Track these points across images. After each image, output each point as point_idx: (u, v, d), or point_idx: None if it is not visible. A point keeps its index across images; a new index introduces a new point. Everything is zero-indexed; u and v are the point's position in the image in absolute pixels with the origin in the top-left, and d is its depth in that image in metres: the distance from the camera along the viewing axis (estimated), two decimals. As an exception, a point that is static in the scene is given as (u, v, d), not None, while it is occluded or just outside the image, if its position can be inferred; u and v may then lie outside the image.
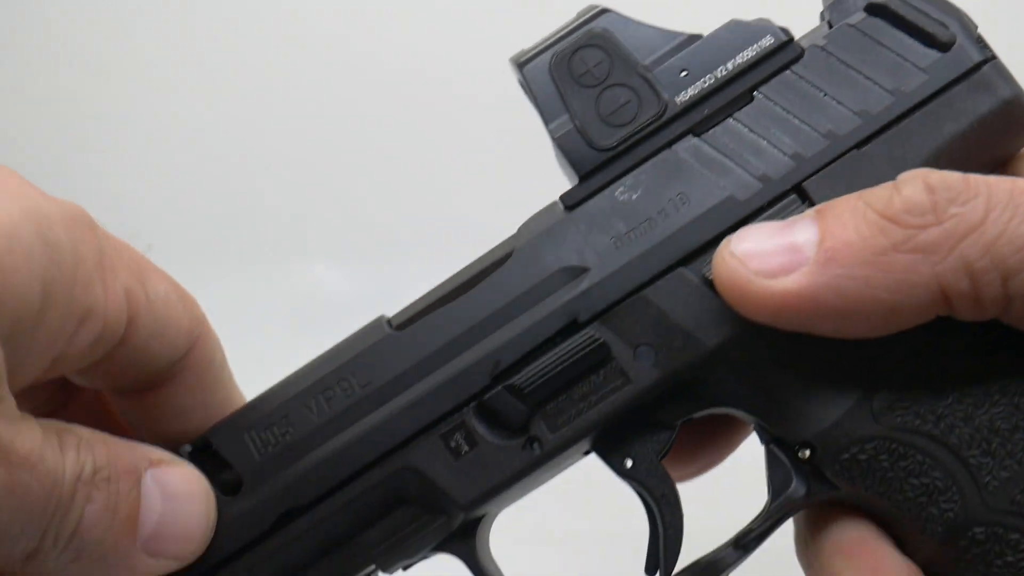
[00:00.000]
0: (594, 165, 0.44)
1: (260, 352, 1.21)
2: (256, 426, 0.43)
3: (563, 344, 0.42)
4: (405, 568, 0.46)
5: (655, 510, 0.44)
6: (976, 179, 0.36)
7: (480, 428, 0.43)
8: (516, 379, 0.42)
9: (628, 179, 0.43)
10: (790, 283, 0.37)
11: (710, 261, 0.41)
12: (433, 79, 1.21)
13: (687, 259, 0.42)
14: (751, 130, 0.43)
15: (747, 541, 0.44)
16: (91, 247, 0.36)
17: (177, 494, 0.39)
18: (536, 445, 0.43)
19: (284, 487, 0.42)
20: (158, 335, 0.40)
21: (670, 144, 0.43)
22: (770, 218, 0.41)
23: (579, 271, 0.43)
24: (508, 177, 1.19)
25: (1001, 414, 0.40)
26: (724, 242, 0.39)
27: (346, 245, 1.22)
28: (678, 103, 0.43)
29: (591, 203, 0.44)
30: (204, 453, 0.43)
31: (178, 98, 1.26)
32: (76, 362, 0.38)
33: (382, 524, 0.43)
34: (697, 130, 0.43)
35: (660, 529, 0.44)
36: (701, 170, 0.42)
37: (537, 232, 0.44)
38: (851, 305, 0.36)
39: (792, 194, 0.42)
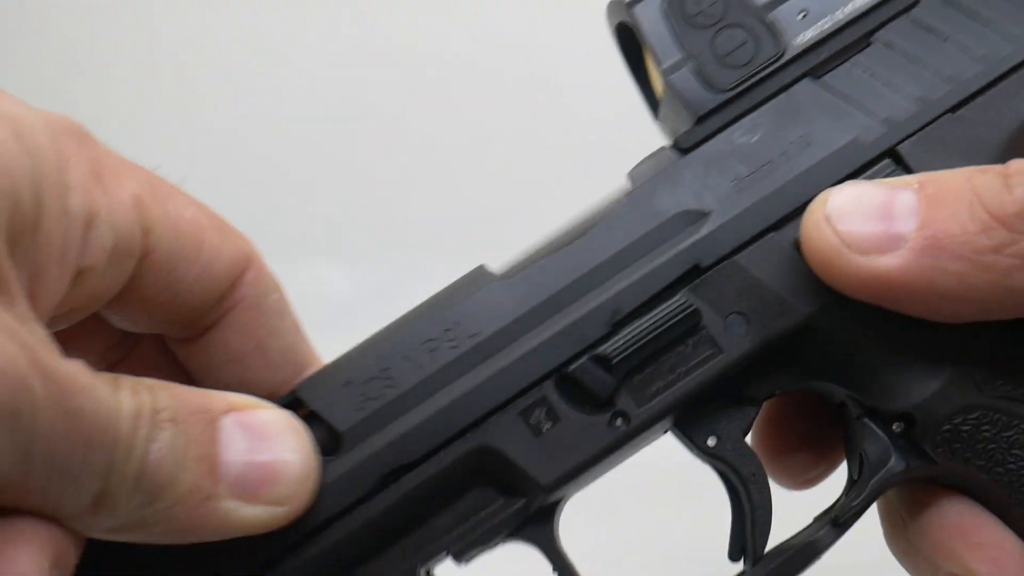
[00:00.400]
0: (711, 107, 0.42)
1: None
2: (354, 381, 0.40)
3: (653, 311, 0.40)
4: (469, 560, 0.42)
5: (741, 491, 0.42)
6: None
7: (562, 403, 0.40)
8: (603, 348, 0.40)
9: (746, 121, 0.41)
10: (883, 264, 0.35)
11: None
12: (435, 79, 1.21)
13: (789, 217, 0.40)
14: (871, 74, 0.42)
15: (845, 518, 0.42)
16: (83, 157, 0.35)
17: (266, 434, 0.35)
18: (622, 420, 0.40)
19: (389, 444, 0.39)
20: (187, 257, 0.37)
21: (788, 86, 0.42)
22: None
23: (699, 215, 0.41)
24: (509, 177, 1.19)
25: None
26: (818, 200, 0.37)
27: (346, 245, 1.22)
28: (796, 45, 0.42)
29: (708, 145, 0.42)
30: (293, 409, 0.39)
31: (178, 98, 1.26)
32: (101, 282, 0.35)
33: (455, 508, 0.40)
34: (815, 73, 0.42)
35: (747, 510, 0.42)
36: (821, 113, 0.41)
37: (651, 176, 0.42)
38: (942, 297, 0.35)
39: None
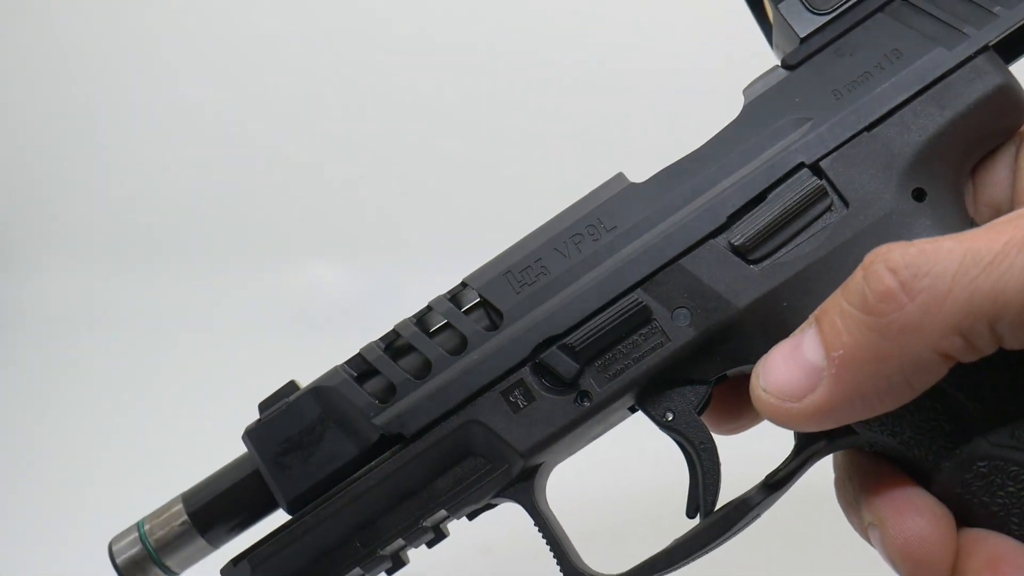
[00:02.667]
0: (814, 27, 0.48)
1: (260, 351, 1.21)
2: (513, 268, 0.48)
3: (609, 308, 0.47)
4: (471, 517, 0.51)
5: (694, 458, 0.48)
6: (933, 246, 0.38)
7: (536, 384, 0.47)
8: (568, 339, 0.47)
9: (846, 39, 0.47)
10: (816, 399, 0.40)
11: (736, 228, 0.46)
12: (433, 80, 1.21)
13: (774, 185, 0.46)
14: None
15: (775, 482, 0.47)
16: None
17: None
18: (586, 399, 0.47)
19: (544, 318, 0.47)
20: None
21: (882, 7, 0.47)
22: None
23: (803, 121, 0.47)
24: (508, 177, 1.20)
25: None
26: (754, 376, 0.42)
27: (346, 245, 1.22)
28: None
29: (812, 61, 0.47)
30: (464, 294, 0.49)
31: (179, 99, 1.26)
32: None
33: (452, 472, 0.48)
34: None
35: (699, 475, 0.48)
36: (910, 28, 0.47)
37: (762, 90, 0.48)
38: (874, 394, 0.39)
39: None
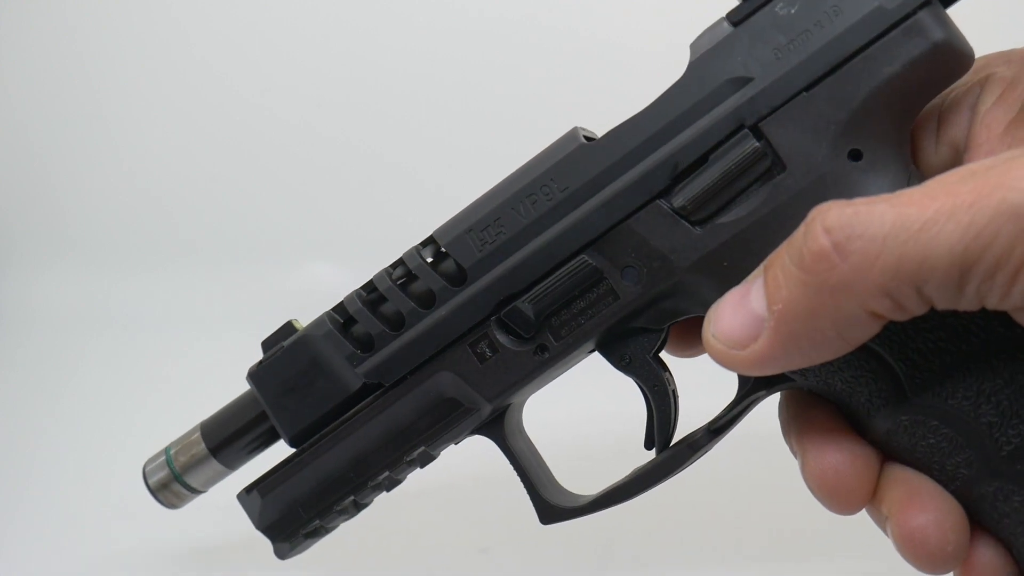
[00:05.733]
0: None
1: (260, 351, 1.21)
2: (475, 227, 0.51)
3: (561, 269, 0.50)
4: (439, 451, 0.56)
5: (649, 397, 0.52)
6: (868, 208, 0.39)
7: (499, 338, 0.51)
8: (525, 297, 0.51)
9: None
10: (758, 348, 0.43)
11: (679, 191, 0.48)
12: (433, 80, 1.21)
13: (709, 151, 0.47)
14: None
15: (718, 426, 0.51)
16: None
17: None
18: (544, 351, 0.51)
19: (503, 276, 0.51)
20: None
21: None
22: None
23: (744, 81, 0.47)
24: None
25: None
26: (706, 322, 0.45)
27: (345, 245, 1.22)
28: None
29: (754, 19, 0.47)
30: (431, 248, 0.53)
31: (179, 99, 1.26)
32: None
33: (429, 414, 0.53)
34: None
35: (654, 413, 0.52)
36: None
37: (706, 48, 0.48)
38: (810, 346, 0.42)
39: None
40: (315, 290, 1.19)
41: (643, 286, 0.49)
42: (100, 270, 1.28)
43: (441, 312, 0.52)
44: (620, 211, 0.49)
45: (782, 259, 0.41)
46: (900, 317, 0.40)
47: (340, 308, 0.55)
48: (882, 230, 0.38)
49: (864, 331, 0.41)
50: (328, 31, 1.23)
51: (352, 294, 0.55)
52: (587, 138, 0.51)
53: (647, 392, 0.52)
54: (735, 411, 0.51)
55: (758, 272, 0.43)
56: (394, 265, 0.54)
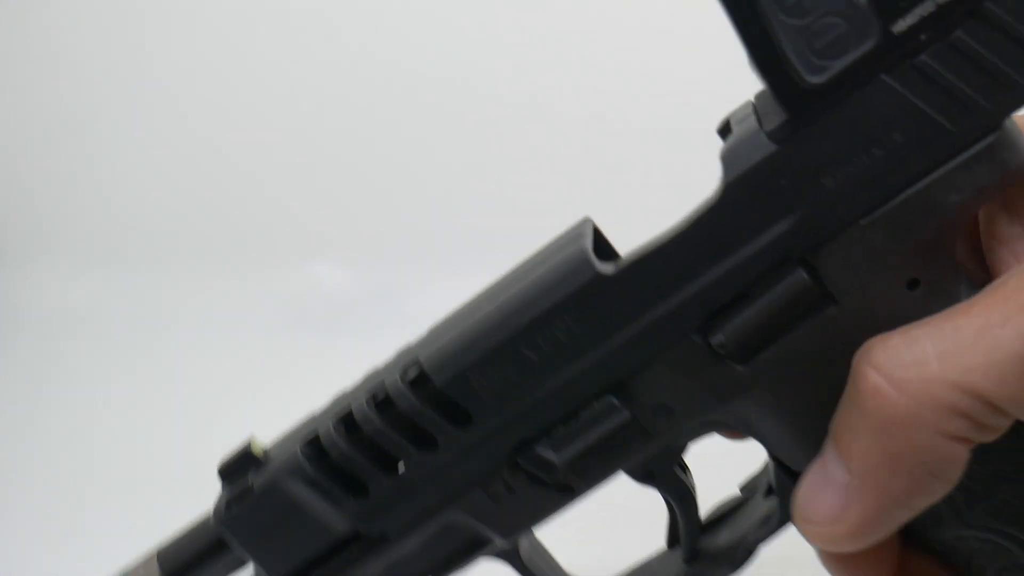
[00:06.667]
0: (803, 101, 0.40)
1: (260, 352, 1.21)
2: (476, 366, 0.44)
3: (584, 411, 0.44)
4: None
5: (674, 507, 0.48)
6: (914, 332, 0.37)
7: (516, 480, 0.46)
8: (544, 442, 0.45)
9: (841, 109, 0.40)
10: (852, 514, 0.39)
11: (717, 326, 0.42)
12: (434, 80, 1.21)
13: (714, 318, 0.42)
14: (972, 52, 0.39)
15: (750, 545, 0.47)
16: None
17: None
18: (568, 491, 0.46)
19: (517, 419, 0.44)
20: None
21: (888, 69, 0.40)
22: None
23: (790, 209, 0.41)
24: (509, 179, 1.19)
25: None
26: (795, 510, 0.42)
27: (346, 245, 1.22)
28: (895, 32, 0.39)
29: (802, 136, 0.40)
30: (426, 387, 0.44)
31: (179, 99, 1.26)
32: None
33: (434, 550, 0.48)
34: (912, 55, 0.39)
35: (681, 523, 0.48)
36: (914, 99, 0.39)
37: (744, 166, 0.41)
38: (903, 495, 0.39)
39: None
40: (315, 290, 1.19)
41: (677, 423, 0.44)
42: (96, 271, 1.28)
43: (446, 457, 0.45)
44: (650, 349, 0.43)
45: (843, 416, 0.39)
46: (986, 437, 0.37)
47: (315, 443, 0.47)
48: (934, 349, 0.36)
49: (953, 461, 0.38)
50: (328, 30, 1.23)
51: (328, 426, 0.46)
52: (599, 240, 0.44)
53: (673, 502, 0.48)
54: (769, 532, 0.46)
55: (827, 443, 0.41)
56: (374, 396, 0.45)
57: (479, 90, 1.20)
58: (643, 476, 0.47)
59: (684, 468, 0.48)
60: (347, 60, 1.22)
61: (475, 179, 1.20)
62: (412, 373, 0.45)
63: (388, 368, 0.46)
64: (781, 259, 0.41)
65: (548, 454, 0.45)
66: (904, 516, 0.40)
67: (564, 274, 0.43)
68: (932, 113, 0.39)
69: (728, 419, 0.44)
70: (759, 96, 0.43)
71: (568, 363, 0.43)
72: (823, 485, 0.40)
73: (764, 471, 0.50)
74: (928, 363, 0.36)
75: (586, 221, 0.44)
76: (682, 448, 0.46)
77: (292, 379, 0.97)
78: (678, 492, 0.47)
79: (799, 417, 0.43)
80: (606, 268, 0.42)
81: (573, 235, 0.44)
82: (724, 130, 0.43)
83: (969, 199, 0.40)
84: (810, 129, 0.40)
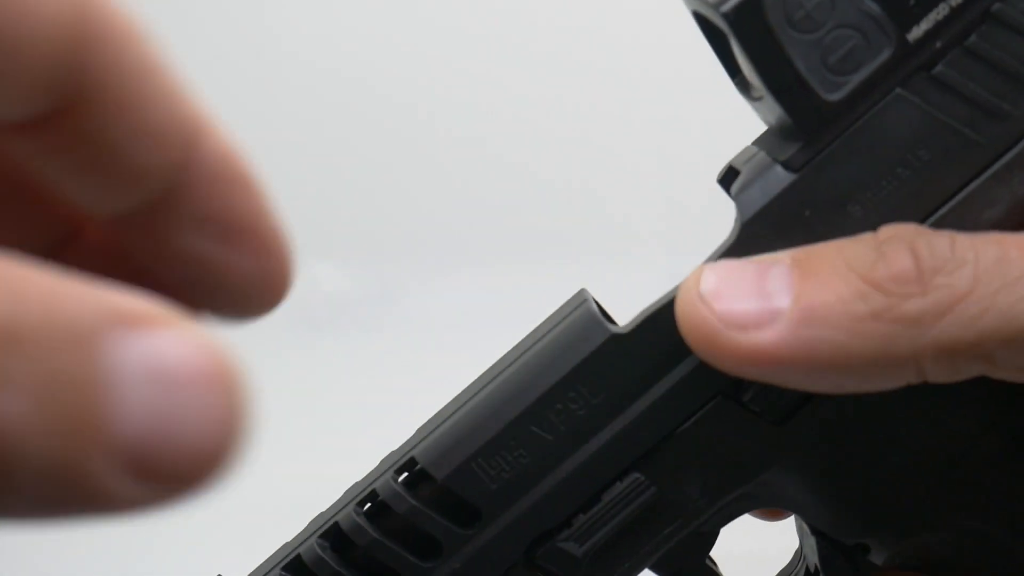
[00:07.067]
0: (821, 122, 0.37)
1: (260, 352, 1.21)
2: (483, 454, 0.38)
3: (608, 492, 0.39)
4: None
5: None
6: (963, 244, 0.34)
7: None
8: (565, 534, 0.39)
9: (858, 129, 0.37)
10: (761, 339, 0.34)
11: (750, 384, 0.38)
12: (434, 80, 1.21)
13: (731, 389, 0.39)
14: (990, 56, 0.37)
15: None
16: None
17: (174, 374, 0.22)
18: None
19: (532, 511, 0.39)
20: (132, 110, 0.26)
21: (901, 82, 0.37)
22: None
23: (818, 241, 0.37)
24: (510, 179, 1.19)
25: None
26: (690, 279, 0.35)
27: (346, 245, 1.22)
28: (910, 40, 0.37)
29: (819, 161, 0.37)
30: (420, 480, 0.39)
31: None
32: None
33: None
34: (929, 65, 0.37)
35: None
36: (936, 113, 0.37)
37: (760, 202, 0.37)
38: (824, 368, 0.34)
39: None
40: (315, 290, 1.19)
41: (711, 497, 0.39)
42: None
43: (452, 565, 0.39)
44: (678, 414, 0.38)
45: (831, 259, 0.34)
46: (939, 378, 0.34)
47: (298, 566, 0.40)
48: (976, 270, 0.33)
49: (889, 379, 0.34)
50: (327, 31, 1.23)
51: (311, 546, 0.40)
52: (600, 309, 0.40)
53: None
54: None
55: (775, 257, 0.35)
56: (363, 503, 0.40)
57: (479, 91, 1.20)
58: (671, 573, 0.41)
59: (714, 564, 0.43)
60: (347, 60, 1.22)
61: (475, 180, 1.20)
62: (407, 470, 0.39)
63: (373, 475, 0.40)
64: None
65: (570, 547, 0.39)
66: (800, 381, 0.35)
67: (574, 339, 0.38)
68: (956, 125, 0.37)
69: (764, 492, 0.40)
70: (760, 138, 0.40)
71: (586, 440, 0.38)
72: (748, 286, 0.35)
73: (794, 560, 0.45)
74: (964, 280, 0.33)
75: (582, 292, 0.40)
76: (712, 536, 0.42)
77: (292, 379, 0.97)
78: None
79: (843, 480, 0.40)
80: (619, 328, 0.38)
81: (573, 305, 0.39)
82: (727, 176, 0.40)
83: (1005, 213, 0.37)
84: (830, 153, 0.37)
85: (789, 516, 0.47)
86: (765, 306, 0.34)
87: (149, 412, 0.21)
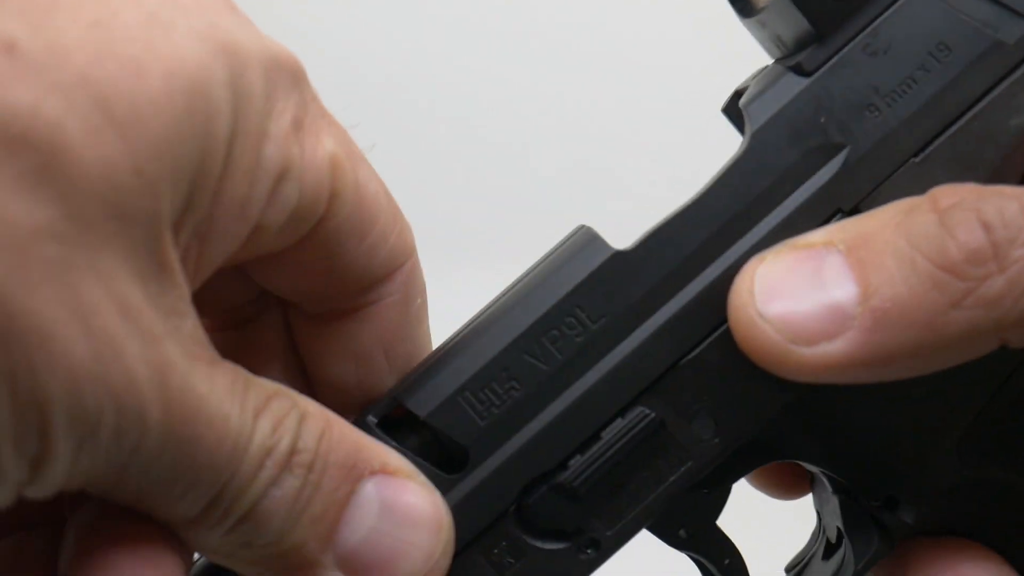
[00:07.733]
0: (835, 18, 0.35)
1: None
2: (471, 386, 0.34)
3: (610, 428, 0.35)
4: None
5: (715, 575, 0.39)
6: None
7: (525, 536, 0.35)
8: (563, 476, 0.35)
9: (874, 29, 0.35)
10: (833, 351, 0.32)
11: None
12: (435, 78, 1.21)
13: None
14: None
15: None
16: (291, 102, 0.31)
17: (403, 518, 0.31)
18: (591, 547, 0.35)
19: (524, 451, 0.35)
20: (359, 233, 0.33)
21: None
22: None
23: (834, 149, 0.35)
24: (510, 178, 1.19)
25: None
26: (746, 293, 0.33)
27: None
28: None
29: (834, 64, 0.35)
30: (402, 423, 0.35)
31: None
32: (268, 241, 0.30)
33: None
34: None
35: None
36: (955, 11, 0.35)
37: (773, 109, 0.35)
38: (903, 365, 0.32)
39: None
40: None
41: (723, 437, 0.35)
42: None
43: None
44: (685, 340, 0.35)
45: (894, 245, 0.31)
46: (1018, 343, 0.32)
47: None
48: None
49: (971, 357, 0.32)
50: (330, 28, 1.23)
51: None
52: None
53: (717, 571, 0.38)
54: None
55: (823, 243, 0.33)
56: None
57: (480, 91, 1.20)
58: (675, 536, 0.38)
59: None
60: (348, 59, 1.22)
61: (476, 179, 1.20)
62: (387, 410, 0.35)
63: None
64: (832, 212, 0.35)
65: (566, 493, 0.35)
66: (881, 375, 0.32)
67: (572, 259, 0.35)
68: (980, 25, 0.34)
69: (781, 442, 0.37)
70: (765, 68, 0.38)
71: (585, 370, 0.35)
72: (809, 293, 0.32)
73: (811, 541, 0.43)
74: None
75: (582, 225, 0.37)
76: (723, 497, 0.38)
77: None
78: (723, 555, 0.38)
79: (864, 424, 0.37)
80: (622, 247, 0.35)
81: (574, 231, 0.37)
82: (732, 103, 0.38)
83: None
84: (846, 55, 0.35)
85: (806, 494, 0.44)
86: (826, 302, 0.32)
87: (372, 534, 0.31)
